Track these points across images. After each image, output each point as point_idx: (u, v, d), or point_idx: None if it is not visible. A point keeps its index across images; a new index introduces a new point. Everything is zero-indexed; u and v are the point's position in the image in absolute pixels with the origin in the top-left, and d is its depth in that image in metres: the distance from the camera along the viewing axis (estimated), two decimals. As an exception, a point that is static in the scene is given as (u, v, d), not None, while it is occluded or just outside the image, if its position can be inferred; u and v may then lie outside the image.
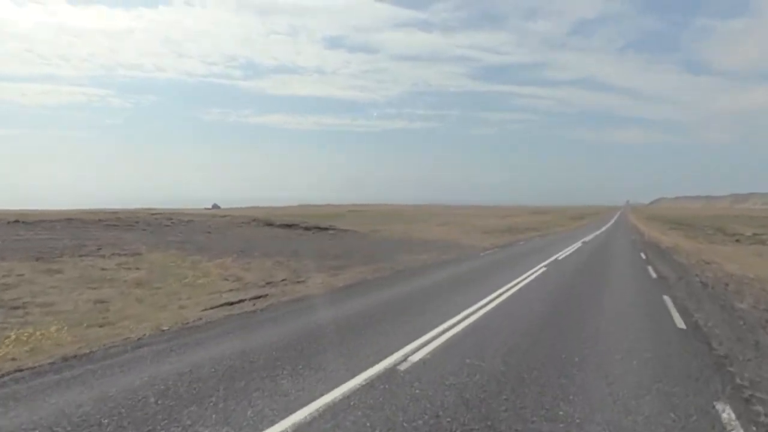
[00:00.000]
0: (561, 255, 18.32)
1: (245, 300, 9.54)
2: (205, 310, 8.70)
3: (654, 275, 13.46)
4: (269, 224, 29.37)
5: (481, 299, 9.37)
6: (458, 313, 8.11)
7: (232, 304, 9.16)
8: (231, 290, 10.66)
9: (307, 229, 30.65)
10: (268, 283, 11.82)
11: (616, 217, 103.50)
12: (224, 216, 30.58)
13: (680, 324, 7.90)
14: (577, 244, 24.11)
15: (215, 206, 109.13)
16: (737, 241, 45.64)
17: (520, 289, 10.75)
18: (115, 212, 27.16)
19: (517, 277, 12.21)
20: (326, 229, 32.62)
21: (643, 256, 18.99)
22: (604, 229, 50.74)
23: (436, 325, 7.16)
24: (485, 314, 8.12)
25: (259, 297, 9.90)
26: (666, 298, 10.18)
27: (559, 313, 8.44)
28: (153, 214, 26.10)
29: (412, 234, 40.08)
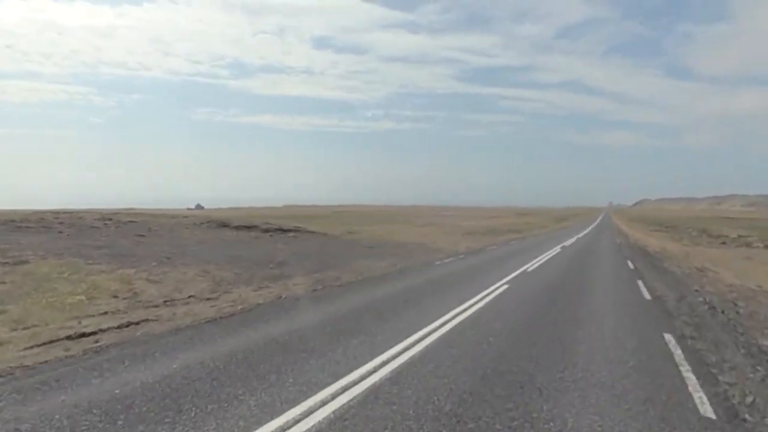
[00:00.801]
0: (533, 264, 15.72)
1: (109, 329, 7.12)
2: (36, 346, 6.26)
3: (647, 295, 10.53)
4: (224, 225, 26.82)
5: (378, 356, 5.77)
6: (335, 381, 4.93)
7: (82, 336, 6.73)
8: (105, 313, 8.21)
9: (266, 231, 28.14)
10: (167, 302, 9.40)
11: (599, 219, 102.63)
12: (173, 217, 27.92)
13: (704, 406, 4.59)
14: (556, 249, 22.11)
15: (198, 206, 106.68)
16: (723, 243, 44.29)
17: (448, 333, 6.92)
18: (55, 212, 24.38)
19: (459, 305, 8.75)
20: (290, 231, 30.17)
21: (630, 265, 16.14)
22: (586, 231, 49.06)
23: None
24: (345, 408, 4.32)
25: (132, 324, 7.47)
26: (669, 338, 7.02)
27: (487, 404, 4.46)
28: (99, 216, 23.45)
29: (387, 236, 37.92)
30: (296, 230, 30.96)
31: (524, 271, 14.24)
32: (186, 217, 28.89)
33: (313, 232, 31.40)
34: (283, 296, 10.17)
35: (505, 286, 10.86)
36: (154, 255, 15.09)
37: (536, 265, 15.45)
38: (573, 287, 11.04)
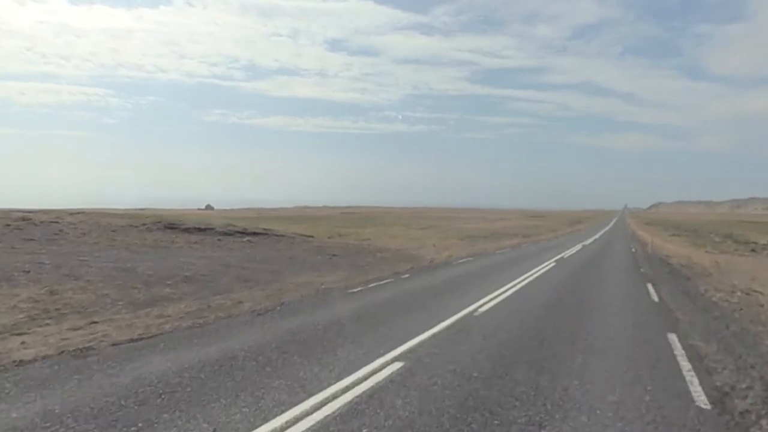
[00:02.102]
0: (508, 289, 10.71)
1: None
2: None
3: (703, 398, 4.70)
4: (172, 228, 23.21)
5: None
6: None
7: None
8: None
9: (223, 234, 24.44)
10: None
11: (613, 222, 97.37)
12: (121, 217, 24.39)
13: None
14: (555, 261, 17.96)
15: (208, 207, 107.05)
16: (752, 250, 39.52)
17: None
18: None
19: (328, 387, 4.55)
20: (253, 234, 26.46)
21: (653, 293, 10.75)
22: (598, 236, 44.54)
23: None
24: None
25: None
26: None
27: None
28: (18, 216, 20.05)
29: (372, 240, 34.24)
30: (263, 233, 27.28)
31: (487, 302, 9.24)
32: (104, 217, 25.25)
33: (281, 236, 27.65)
34: (98, 343, 6.31)
35: (423, 354, 5.72)
36: (8, 266, 11.40)
37: (511, 291, 10.45)
38: (546, 362, 5.60)
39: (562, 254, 21.11)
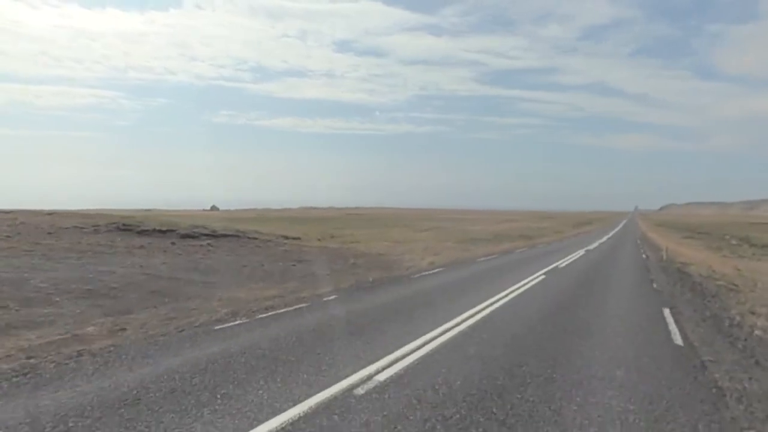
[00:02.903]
0: (453, 327, 7.10)
1: None
2: None
3: None
4: (126, 230, 20.88)
5: None
6: None
7: None
8: None
9: (188, 236, 22.08)
10: None
11: (623, 224, 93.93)
12: (82, 217, 22.12)
13: None
14: (545, 273, 15.05)
15: (214, 208, 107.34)
16: (774, 255, 36.43)
17: None
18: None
19: None
20: (220, 236, 24.08)
21: (671, 324, 7.81)
22: (605, 239, 41.62)
23: None
24: None
25: None
26: None
27: None
28: None
29: (363, 243, 31.93)
30: (234, 235, 24.87)
31: (394, 362, 5.33)
32: (92, 218, 22.98)
33: (254, 239, 25.25)
34: None
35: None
36: None
37: (443, 339, 6.43)
38: None
39: (557, 263, 17.77)
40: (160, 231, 22.31)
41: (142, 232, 21.28)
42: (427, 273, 14.65)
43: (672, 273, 15.56)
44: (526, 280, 12.53)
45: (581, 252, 23.47)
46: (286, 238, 33.35)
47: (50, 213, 24.00)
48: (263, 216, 69.53)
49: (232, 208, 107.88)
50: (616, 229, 65.83)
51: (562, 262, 17.85)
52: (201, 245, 19.91)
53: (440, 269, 15.71)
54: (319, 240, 36.73)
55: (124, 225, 21.55)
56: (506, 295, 9.91)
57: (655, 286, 12.65)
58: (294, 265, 16.74)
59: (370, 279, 13.23)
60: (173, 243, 19.27)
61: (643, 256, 22.95)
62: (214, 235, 23.78)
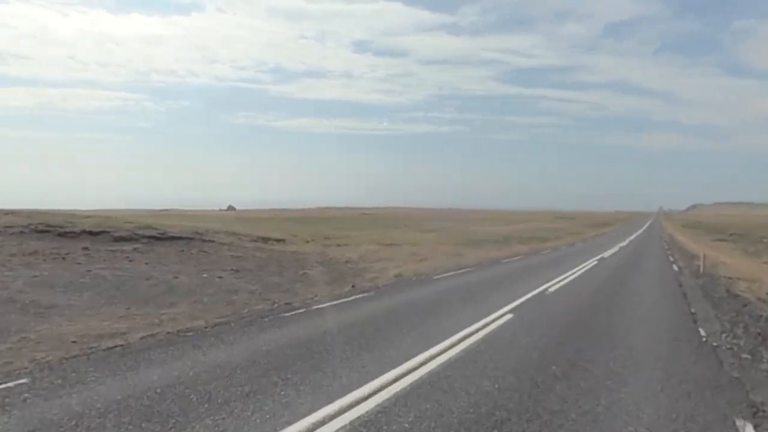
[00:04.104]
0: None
1: None
2: None
3: None
4: (44, 231, 17.57)
5: None
6: None
7: None
8: None
9: (122, 239, 18.69)
10: None
11: (646, 225, 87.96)
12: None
13: None
14: (541, 291, 10.96)
15: (230, 208, 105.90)
16: (825, 262, 31.39)
17: None
18: None
19: None
20: (175, 238, 20.69)
21: None
22: (626, 242, 36.96)
23: None
24: None
25: None
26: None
27: None
28: None
29: (351, 247, 28.74)
30: (187, 238, 21.45)
31: None
32: (19, 217, 19.72)
33: (211, 241, 21.79)
34: None
35: None
36: None
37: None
38: None
39: (551, 283, 12.48)
40: (91, 233, 18.96)
41: (64, 235, 17.94)
42: (367, 295, 10.59)
43: (720, 299, 10.78)
44: (486, 321, 7.69)
45: (592, 262, 18.57)
46: (265, 240, 30.13)
47: (8, 213, 20.87)
48: (276, 216, 67.29)
49: (249, 208, 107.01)
50: (639, 231, 60.47)
51: (560, 280, 13.25)
52: (123, 250, 16.38)
53: (393, 286, 11.72)
54: (307, 242, 33.79)
55: (47, 226, 18.23)
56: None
57: (702, 333, 7.51)
58: (220, 278, 13.08)
59: (285, 302, 9.40)
60: (86, 248, 15.78)
61: (674, 266, 18.09)
62: (160, 238, 20.36)
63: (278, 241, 30.88)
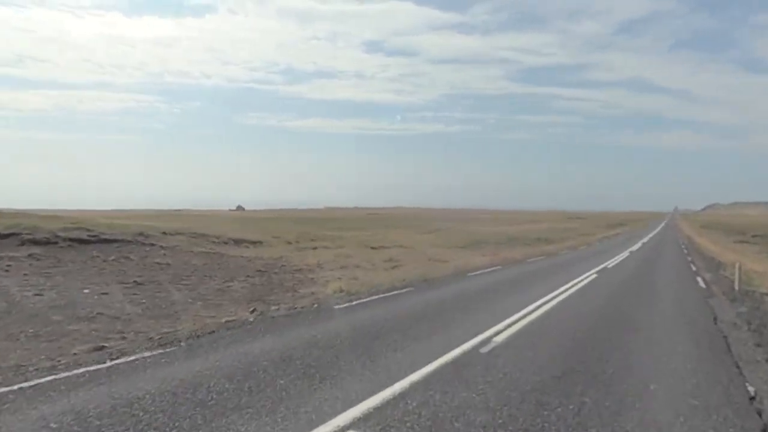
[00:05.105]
0: None
1: None
2: None
3: None
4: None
5: None
6: None
7: None
8: None
9: (35, 242, 15.83)
10: None
11: (661, 227, 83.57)
12: None
13: None
14: (516, 319, 7.56)
15: (239, 208, 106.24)
16: None
17: None
18: None
19: None
20: (107, 241, 17.86)
21: None
22: (639, 245, 33.37)
23: None
24: None
25: None
26: None
27: None
28: None
29: (332, 250, 26.75)
30: (123, 241, 18.57)
31: None
32: None
33: (152, 245, 18.92)
34: None
35: None
36: None
37: None
38: None
39: (542, 300, 9.26)
40: (1, 235, 16.08)
41: (3, 237, 15.13)
42: (230, 334, 7.42)
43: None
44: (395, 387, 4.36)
45: (591, 275, 14.52)
46: (238, 243, 27.63)
47: None
48: (281, 216, 66.56)
49: (259, 208, 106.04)
50: (653, 234, 56.43)
51: (554, 298, 9.94)
52: (12, 257, 13.41)
53: (287, 317, 8.50)
54: (289, 243, 31.68)
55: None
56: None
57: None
58: (105, 294, 10.02)
59: (130, 338, 6.30)
60: (30, 255, 12.90)
61: (699, 281, 14.10)
62: (87, 241, 17.48)
63: (253, 243, 28.35)
